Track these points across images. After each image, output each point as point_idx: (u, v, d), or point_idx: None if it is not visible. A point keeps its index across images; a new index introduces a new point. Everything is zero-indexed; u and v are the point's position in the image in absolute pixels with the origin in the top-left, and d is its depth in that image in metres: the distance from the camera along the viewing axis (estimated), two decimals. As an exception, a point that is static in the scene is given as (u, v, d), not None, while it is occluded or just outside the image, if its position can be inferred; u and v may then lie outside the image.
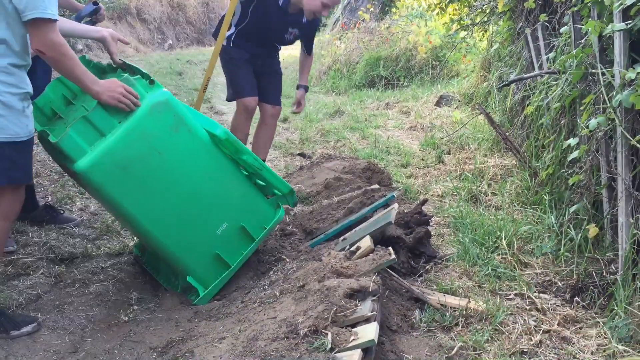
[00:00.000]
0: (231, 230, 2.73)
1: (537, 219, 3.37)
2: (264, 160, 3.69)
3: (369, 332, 1.94)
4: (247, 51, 3.78)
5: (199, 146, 2.59)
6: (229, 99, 4.00)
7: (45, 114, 2.58)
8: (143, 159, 2.44)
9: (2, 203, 2.28)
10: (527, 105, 4.14)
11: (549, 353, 2.21)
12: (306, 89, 4.16)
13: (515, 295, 2.66)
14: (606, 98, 2.64)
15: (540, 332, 2.34)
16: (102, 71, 2.72)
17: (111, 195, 2.42)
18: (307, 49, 4.08)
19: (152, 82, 2.50)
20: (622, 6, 2.46)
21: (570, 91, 3.14)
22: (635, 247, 2.45)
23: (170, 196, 2.55)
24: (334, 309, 2.05)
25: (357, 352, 1.85)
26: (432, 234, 3.28)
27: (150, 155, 2.45)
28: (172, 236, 2.58)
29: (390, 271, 2.68)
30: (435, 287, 2.74)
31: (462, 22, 6.94)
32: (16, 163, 2.24)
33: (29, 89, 2.25)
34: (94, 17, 3.15)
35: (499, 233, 3.20)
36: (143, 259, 3.05)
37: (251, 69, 3.83)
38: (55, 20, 2.14)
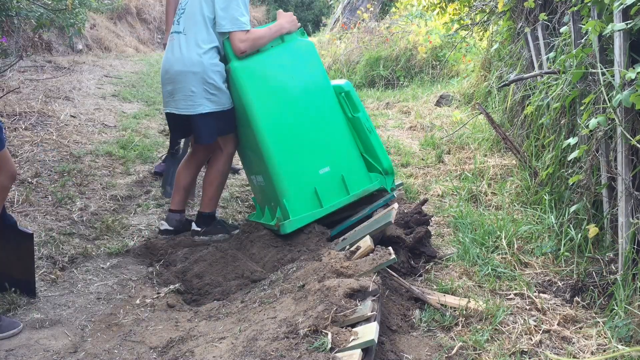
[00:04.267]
0: (331, 176, 3.15)
1: (537, 219, 3.37)
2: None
3: (369, 332, 1.94)
4: None
5: (323, 90, 3.21)
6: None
7: None
8: (279, 77, 3.12)
9: (227, 145, 3.34)
10: (527, 105, 4.14)
11: (549, 353, 2.21)
12: None
13: (515, 295, 2.66)
14: (606, 98, 2.64)
15: (540, 332, 2.34)
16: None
17: (248, 94, 3.07)
18: None
19: (303, 33, 3.28)
20: (622, 6, 2.46)
21: (570, 91, 3.14)
22: (635, 247, 2.45)
23: (290, 116, 3.11)
24: (334, 308, 2.05)
25: (357, 352, 1.85)
26: (432, 233, 3.29)
27: (285, 76, 3.13)
28: (282, 153, 3.06)
29: (390, 271, 2.68)
30: (435, 287, 2.75)
31: (462, 21, 6.94)
32: (226, 123, 3.23)
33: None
34: None
35: (499, 233, 3.20)
36: (250, 218, 3.54)
37: None
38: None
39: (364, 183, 3.21)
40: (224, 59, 3.22)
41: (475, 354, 2.21)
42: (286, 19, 3.25)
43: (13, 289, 2.64)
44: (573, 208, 3.00)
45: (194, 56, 3.10)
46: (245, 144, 3.35)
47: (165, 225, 3.39)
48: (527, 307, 2.54)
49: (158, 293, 2.76)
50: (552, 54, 3.69)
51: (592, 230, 2.65)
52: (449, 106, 6.97)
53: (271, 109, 3.08)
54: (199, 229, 3.31)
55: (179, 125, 3.29)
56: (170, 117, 3.30)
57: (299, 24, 3.30)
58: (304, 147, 3.12)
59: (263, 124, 3.06)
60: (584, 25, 2.85)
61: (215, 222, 3.36)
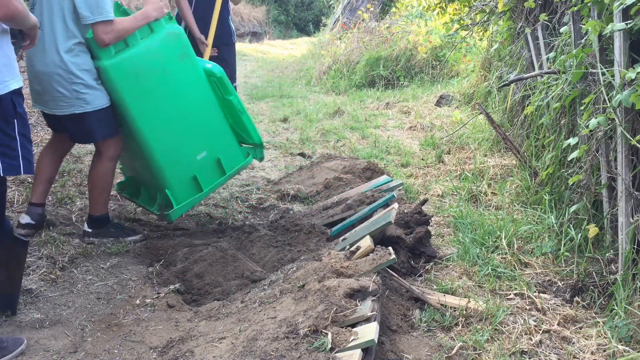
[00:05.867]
0: (208, 160, 3.28)
1: (537, 219, 3.37)
2: None
3: (369, 332, 1.94)
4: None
5: (196, 78, 3.19)
6: None
7: None
8: (152, 72, 3.02)
9: (108, 150, 3.10)
10: (527, 105, 4.15)
11: (549, 353, 2.21)
12: None
13: (515, 295, 2.66)
14: (606, 98, 2.64)
15: (540, 332, 2.34)
16: (126, 13, 3.22)
17: (122, 94, 2.97)
18: None
19: (170, 18, 3.14)
20: (622, 6, 2.47)
21: (570, 91, 3.14)
22: (635, 247, 2.45)
23: (166, 110, 3.09)
24: (334, 308, 2.05)
25: (357, 352, 1.85)
26: (432, 233, 3.29)
27: (158, 71, 3.04)
28: (161, 146, 3.09)
29: (390, 271, 2.68)
30: (435, 287, 2.75)
31: (462, 21, 6.94)
32: (105, 124, 3.02)
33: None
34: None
35: (499, 233, 3.20)
36: (125, 192, 3.61)
37: None
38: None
39: (239, 160, 3.42)
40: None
41: (475, 354, 2.21)
42: (153, 6, 3.02)
43: None
44: (573, 208, 3.00)
45: (54, 56, 2.84)
46: (125, 136, 3.32)
47: (27, 219, 3.16)
48: (527, 307, 2.54)
49: (158, 293, 2.76)
50: (552, 54, 3.69)
51: (592, 230, 2.65)
52: (449, 106, 6.97)
53: (147, 106, 3.04)
54: (89, 230, 3.22)
55: (52, 122, 3.10)
56: (42, 113, 3.09)
57: (166, 9, 3.12)
58: (182, 137, 3.17)
59: (140, 121, 3.02)
60: (584, 25, 2.85)
61: (108, 225, 3.27)
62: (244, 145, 3.45)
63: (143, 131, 3.04)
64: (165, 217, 3.22)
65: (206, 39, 4.26)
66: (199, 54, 4.19)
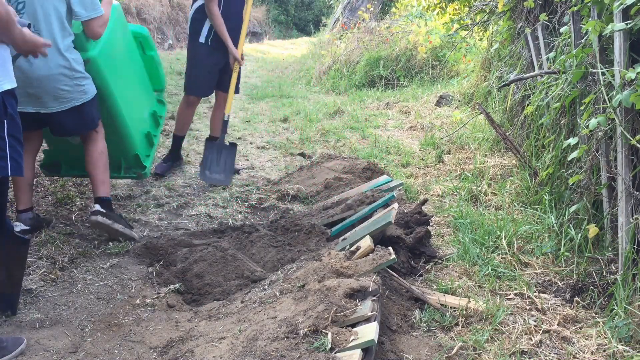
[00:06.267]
0: (150, 115, 3.73)
1: (537, 219, 3.37)
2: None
3: (369, 332, 1.94)
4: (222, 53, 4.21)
5: (132, 43, 3.55)
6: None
7: None
8: (118, 48, 3.30)
9: (101, 128, 3.25)
10: (527, 105, 4.15)
11: (549, 353, 2.21)
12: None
13: (515, 295, 2.66)
14: (606, 98, 2.64)
15: (540, 332, 2.34)
16: None
17: (106, 77, 3.16)
18: None
19: None
20: (622, 6, 2.47)
21: (570, 91, 3.14)
22: (635, 247, 2.45)
23: (126, 80, 3.39)
24: (334, 308, 2.05)
25: (357, 352, 1.85)
26: (432, 233, 3.29)
27: (119, 46, 3.32)
28: (129, 114, 3.37)
29: (390, 271, 2.68)
30: (435, 287, 2.75)
31: (462, 21, 6.94)
32: (97, 108, 3.20)
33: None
34: None
35: (499, 233, 3.20)
36: (61, 170, 3.64)
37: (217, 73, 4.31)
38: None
39: (162, 108, 3.91)
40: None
41: (475, 354, 2.21)
42: None
43: None
44: (573, 208, 3.00)
45: (58, 58, 2.93)
46: None
47: (21, 227, 3.19)
48: (527, 307, 2.54)
49: (158, 293, 2.76)
50: (552, 54, 3.69)
51: (592, 230, 2.65)
52: (449, 106, 6.97)
53: (118, 81, 3.28)
54: (103, 210, 3.20)
55: (37, 120, 3.07)
56: (27, 115, 2.96)
57: None
58: (136, 100, 3.51)
59: (117, 97, 3.25)
60: (584, 25, 2.85)
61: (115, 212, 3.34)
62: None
63: (119, 105, 3.28)
64: (143, 176, 3.62)
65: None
66: (226, 60, 4.24)
